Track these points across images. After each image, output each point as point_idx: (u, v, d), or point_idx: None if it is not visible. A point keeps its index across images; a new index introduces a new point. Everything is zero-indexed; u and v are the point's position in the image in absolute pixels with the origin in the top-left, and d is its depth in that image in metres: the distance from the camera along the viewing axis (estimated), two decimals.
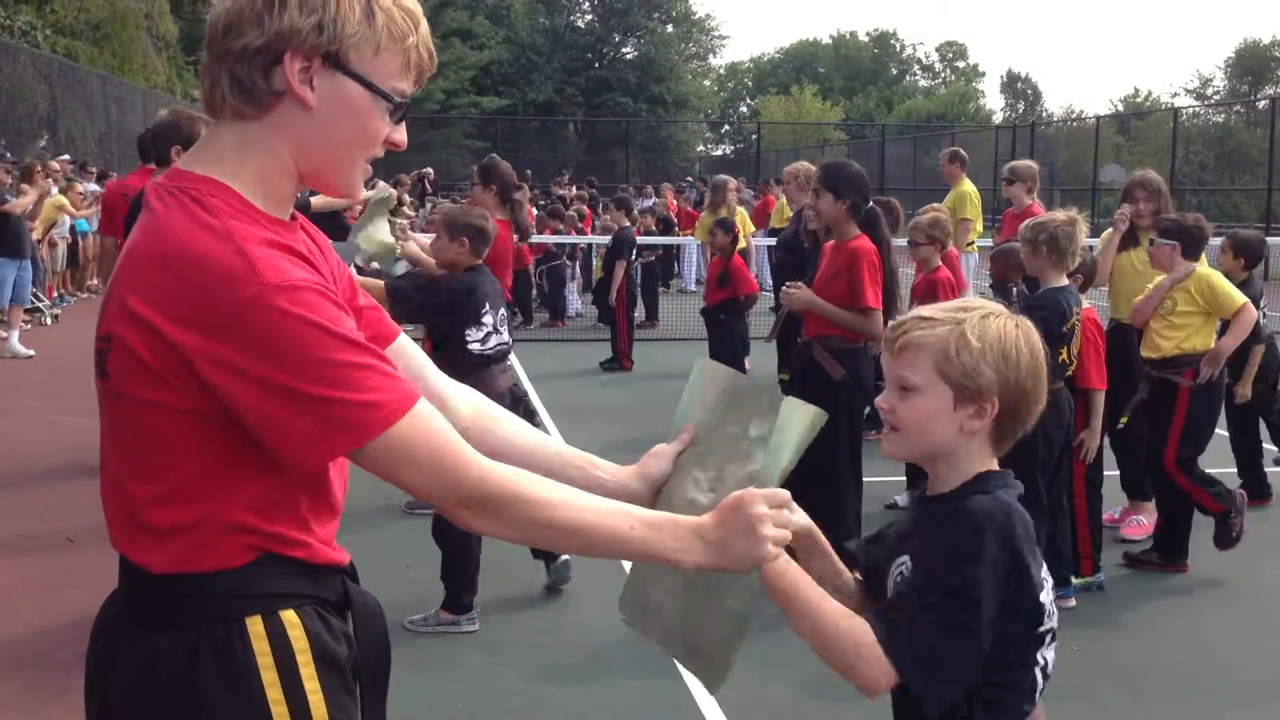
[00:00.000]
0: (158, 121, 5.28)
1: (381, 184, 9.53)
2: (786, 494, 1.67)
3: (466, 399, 1.93)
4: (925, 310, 1.84)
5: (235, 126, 1.60)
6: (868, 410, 8.56)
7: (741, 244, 10.89)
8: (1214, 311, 5.72)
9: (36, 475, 7.21)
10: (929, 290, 6.74)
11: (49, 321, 14.04)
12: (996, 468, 1.88)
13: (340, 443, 1.51)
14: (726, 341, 9.22)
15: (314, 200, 7.38)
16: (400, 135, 1.67)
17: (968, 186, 10.79)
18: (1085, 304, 5.38)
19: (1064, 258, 4.96)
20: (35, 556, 5.64)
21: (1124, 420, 6.12)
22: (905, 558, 1.83)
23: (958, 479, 1.85)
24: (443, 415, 1.60)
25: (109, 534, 1.67)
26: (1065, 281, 4.99)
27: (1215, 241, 6.53)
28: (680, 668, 4.50)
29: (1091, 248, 5.94)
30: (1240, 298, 5.74)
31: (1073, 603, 5.17)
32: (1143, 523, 6.28)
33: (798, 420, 1.71)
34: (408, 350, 1.86)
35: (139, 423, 1.55)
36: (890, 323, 1.89)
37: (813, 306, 5.38)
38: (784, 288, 5.84)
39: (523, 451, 1.89)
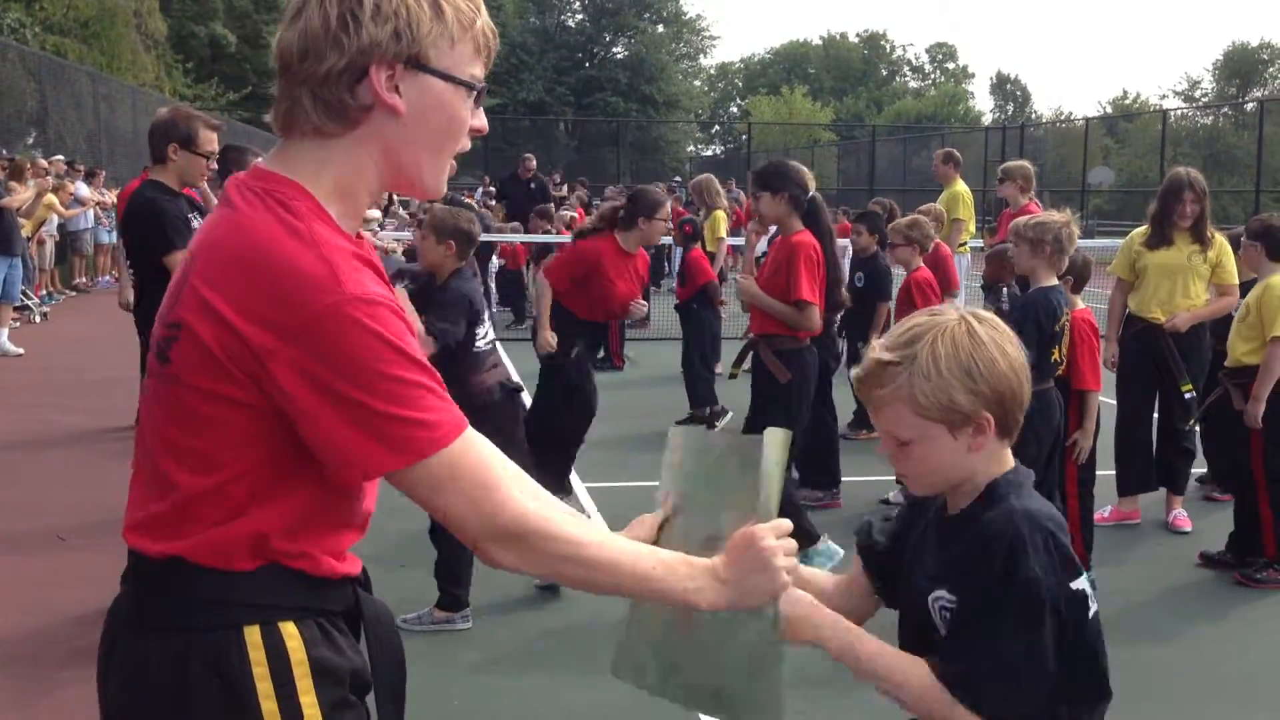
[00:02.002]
0: (156, 120, 5.26)
1: (376, 212, 9.61)
2: (788, 523, 1.69)
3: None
4: (877, 351, 1.79)
5: (316, 143, 1.59)
6: (855, 409, 8.65)
7: (710, 246, 10.93)
8: (1262, 323, 5.53)
9: (26, 473, 7.18)
10: (907, 292, 6.76)
11: (38, 319, 14.00)
12: (1010, 463, 1.85)
13: (388, 460, 1.51)
14: (692, 336, 9.23)
15: None
16: (482, 120, 1.68)
17: (961, 187, 10.82)
18: (1079, 304, 5.40)
19: (1062, 258, 4.98)
20: (26, 555, 5.62)
21: (1190, 423, 6.17)
22: (942, 591, 1.80)
23: (973, 492, 1.82)
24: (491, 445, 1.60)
25: (126, 520, 1.66)
26: (1055, 281, 5.00)
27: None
28: None
29: (1081, 248, 5.95)
30: (1277, 329, 5.45)
31: None
32: (1184, 514, 6.40)
33: (774, 448, 1.72)
34: None
35: (195, 411, 1.54)
36: (853, 372, 1.83)
37: (754, 299, 5.43)
38: (737, 277, 5.85)
39: None
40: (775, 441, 1.72)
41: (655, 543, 1.81)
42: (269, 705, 1.56)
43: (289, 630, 1.59)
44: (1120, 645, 4.87)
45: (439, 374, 1.56)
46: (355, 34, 1.53)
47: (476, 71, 1.64)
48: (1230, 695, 4.41)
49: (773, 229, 7.50)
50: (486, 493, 1.54)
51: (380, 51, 1.54)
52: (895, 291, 7.42)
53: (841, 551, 5.44)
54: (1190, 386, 6.19)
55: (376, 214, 8.71)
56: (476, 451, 1.55)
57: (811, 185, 6.45)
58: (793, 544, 1.68)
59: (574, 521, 1.61)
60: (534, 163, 18.49)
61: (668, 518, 1.86)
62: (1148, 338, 6.26)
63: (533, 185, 18.09)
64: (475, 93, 1.64)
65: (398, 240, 10.64)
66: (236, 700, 1.55)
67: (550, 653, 4.68)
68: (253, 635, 1.57)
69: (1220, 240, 6.23)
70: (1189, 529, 6.32)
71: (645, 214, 6.14)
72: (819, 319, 5.27)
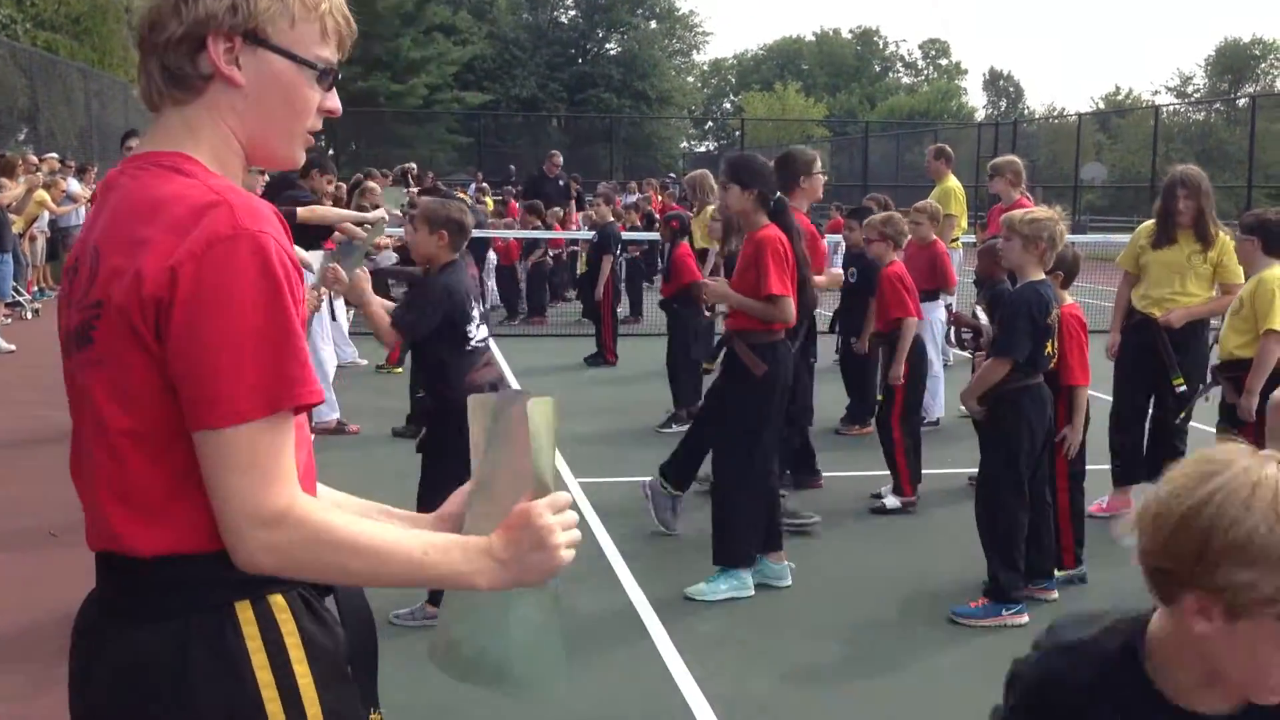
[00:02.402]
0: None
1: (381, 212, 9.59)
2: (567, 496, 1.65)
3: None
4: None
5: (177, 111, 1.65)
6: (848, 404, 8.66)
7: (704, 242, 10.92)
8: (1256, 316, 5.51)
9: (18, 470, 7.18)
10: (881, 287, 6.74)
11: (30, 316, 13.97)
12: None
13: (247, 405, 1.50)
14: (676, 333, 9.24)
15: (299, 212, 7.32)
16: (333, 102, 1.74)
17: (953, 183, 10.84)
18: (1068, 300, 5.42)
19: (1052, 254, 5.00)
20: (18, 551, 5.61)
21: (1183, 419, 6.19)
22: None
23: None
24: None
25: (87, 529, 1.65)
26: (1043, 275, 5.02)
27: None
28: (666, 658, 4.52)
29: (1074, 244, 5.96)
30: (1272, 323, 5.43)
31: (1055, 595, 5.21)
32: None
33: (547, 416, 1.67)
34: None
35: (119, 390, 1.55)
36: None
37: (725, 299, 5.41)
38: (704, 282, 5.82)
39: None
40: (538, 409, 1.66)
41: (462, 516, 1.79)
42: (264, 676, 1.57)
43: (278, 603, 1.60)
44: None
45: (305, 349, 1.56)
46: (194, 5, 1.60)
47: (324, 53, 1.69)
48: None
49: None
50: (265, 480, 1.52)
51: (217, 22, 1.60)
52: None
53: (789, 580, 5.38)
54: (1181, 380, 6.22)
55: (381, 214, 8.70)
56: (280, 440, 1.54)
57: (817, 165, 6.44)
58: (572, 517, 1.64)
59: (343, 516, 1.60)
60: (560, 159, 18.78)
61: (475, 488, 1.80)
62: (1145, 332, 6.32)
63: (561, 183, 18.32)
64: (320, 72, 1.68)
65: (389, 236, 10.60)
66: (234, 675, 1.56)
67: None
68: (244, 610, 1.58)
69: (1224, 240, 6.23)
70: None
71: (803, 172, 6.08)
72: (793, 310, 5.25)
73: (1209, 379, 5.90)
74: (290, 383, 1.53)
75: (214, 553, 1.56)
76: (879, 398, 6.82)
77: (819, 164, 6.25)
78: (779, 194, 5.43)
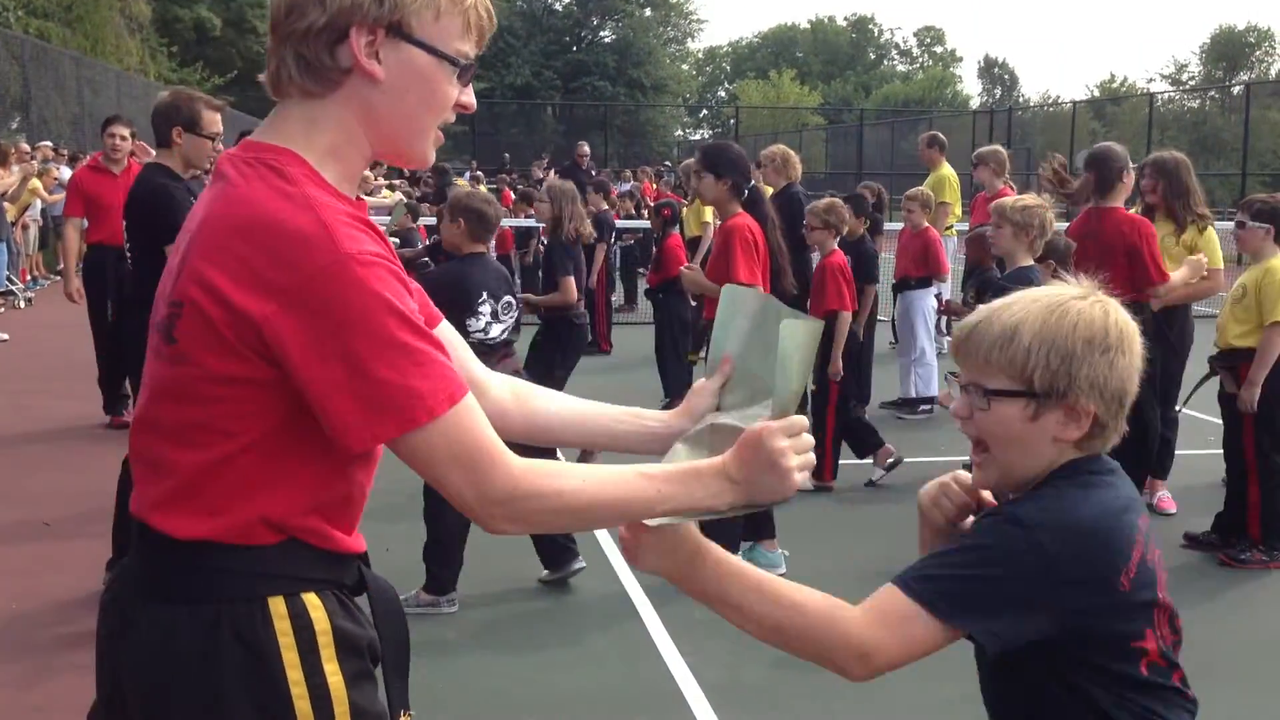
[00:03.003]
0: (157, 104, 5.21)
1: (399, 196, 9.59)
2: (804, 420, 1.64)
3: (504, 382, 1.94)
4: None
5: (303, 105, 1.60)
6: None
7: (695, 230, 10.90)
8: (1259, 308, 5.46)
9: (13, 460, 7.16)
10: (820, 276, 6.67)
11: (22, 305, 13.94)
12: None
13: (380, 428, 1.50)
14: (664, 322, 9.24)
15: None
16: (469, 97, 1.68)
17: (947, 171, 10.83)
18: None
19: (1041, 242, 5.00)
20: (12, 542, 5.60)
21: (1179, 409, 6.20)
22: None
23: None
24: (482, 407, 1.59)
25: (134, 498, 1.65)
26: (1031, 262, 5.02)
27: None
28: (660, 646, 4.53)
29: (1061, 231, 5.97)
30: (1278, 315, 5.37)
31: None
32: (1168, 496, 6.46)
33: (799, 339, 1.66)
34: (449, 336, 1.84)
35: (202, 389, 1.54)
36: None
37: (698, 287, 5.41)
38: (682, 269, 5.82)
39: (568, 420, 1.90)
40: (802, 332, 1.66)
41: (716, 407, 1.84)
42: (294, 674, 1.57)
43: (312, 601, 1.60)
44: None
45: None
46: None
47: (464, 48, 1.63)
48: (1219, 675, 4.44)
49: None
50: (478, 462, 1.53)
51: (362, 13, 1.55)
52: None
53: (783, 567, 5.36)
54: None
55: (400, 197, 8.76)
56: (470, 420, 1.54)
57: (797, 171, 6.42)
58: (808, 441, 1.63)
59: (569, 473, 1.59)
60: (587, 148, 18.97)
61: (726, 382, 1.85)
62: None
63: (594, 172, 18.50)
64: (461, 69, 1.63)
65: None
66: (264, 669, 1.56)
67: (537, 635, 4.70)
68: (278, 606, 1.58)
69: (1207, 228, 6.22)
70: (1174, 510, 6.37)
71: (1124, 167, 5.91)
72: None
73: (1207, 368, 5.89)
74: (431, 386, 1.51)
75: (252, 547, 1.57)
76: (812, 387, 6.81)
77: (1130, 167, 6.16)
78: (753, 182, 5.43)
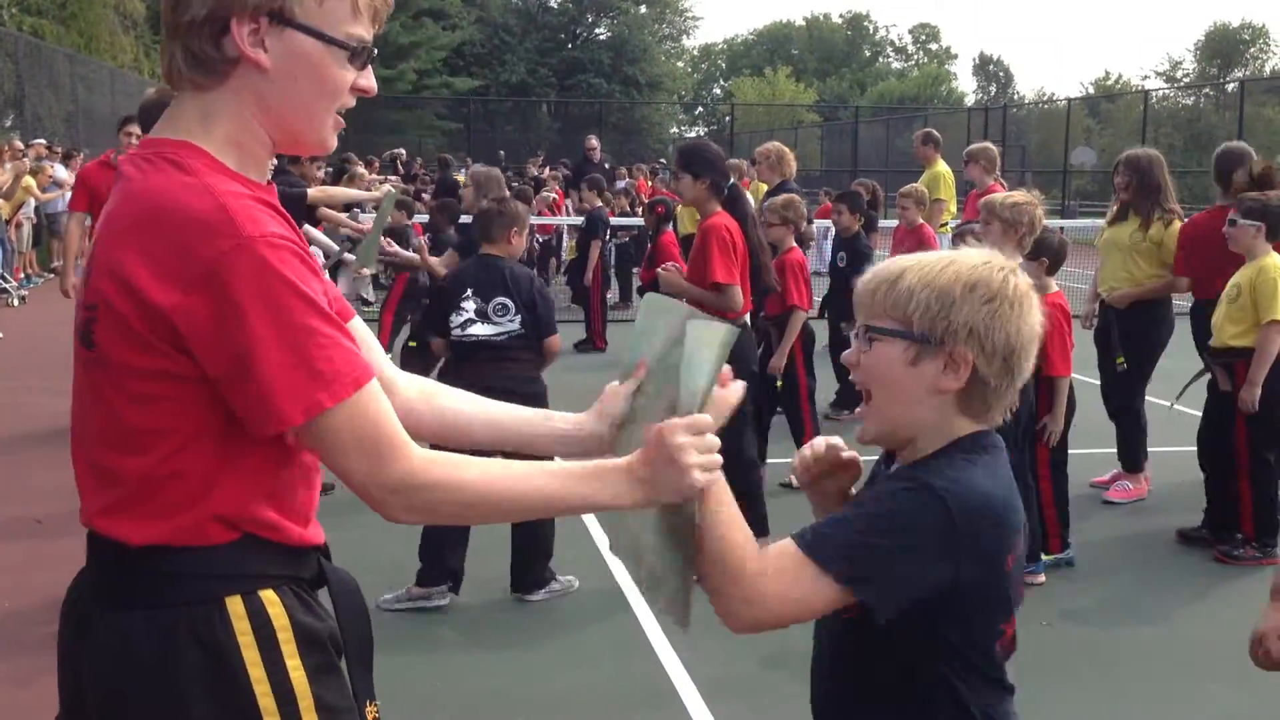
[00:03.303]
0: (144, 101, 5.22)
1: (389, 186, 9.54)
2: (708, 420, 1.62)
3: (412, 381, 1.93)
4: None
5: (196, 98, 1.60)
6: (838, 388, 8.66)
7: (690, 228, 10.88)
8: (1255, 307, 5.46)
9: (6, 457, 7.15)
10: (780, 272, 6.54)
11: (16, 303, 13.92)
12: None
13: (291, 410, 1.49)
14: None
15: (310, 192, 7.32)
16: (368, 81, 1.66)
17: (942, 168, 10.84)
18: (1054, 287, 5.40)
19: (1030, 240, 4.99)
20: (4, 539, 5.59)
21: (1173, 404, 6.23)
22: None
23: None
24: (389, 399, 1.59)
25: (81, 509, 1.65)
26: (1020, 260, 4.99)
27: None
28: (653, 643, 4.53)
29: (1063, 228, 6.00)
30: (1274, 313, 5.38)
31: (1042, 579, 5.22)
32: (1129, 487, 6.50)
33: (708, 340, 1.65)
34: (360, 332, 1.83)
35: (127, 390, 1.53)
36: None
37: (675, 288, 5.30)
38: (660, 269, 5.78)
39: (478, 420, 1.89)
40: (711, 334, 1.65)
41: (626, 415, 1.85)
42: (256, 672, 1.57)
43: (269, 598, 1.60)
44: (1100, 624, 4.92)
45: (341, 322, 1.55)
46: None
47: (356, 30, 1.61)
48: (1219, 673, 4.44)
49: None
50: (379, 449, 1.53)
51: (240, 4, 1.54)
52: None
53: None
54: (1122, 360, 6.30)
55: (389, 189, 8.68)
56: (374, 407, 1.54)
57: (792, 168, 6.39)
58: (713, 442, 1.60)
59: (471, 465, 1.59)
60: (595, 140, 18.88)
61: (640, 386, 1.85)
62: (1104, 310, 6.49)
63: (607, 165, 18.20)
64: (352, 52, 1.61)
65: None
66: (224, 670, 1.56)
67: (531, 633, 4.69)
68: (235, 605, 1.57)
69: (1173, 223, 6.26)
70: (1119, 501, 6.45)
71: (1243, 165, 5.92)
72: (740, 298, 5.22)
73: (1201, 365, 5.90)
74: (337, 370, 1.50)
75: (206, 548, 1.57)
76: (778, 384, 6.79)
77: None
78: (732, 181, 5.38)
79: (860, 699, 1.72)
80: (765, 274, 5.52)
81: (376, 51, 1.66)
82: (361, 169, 12.57)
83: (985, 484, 1.62)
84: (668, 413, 1.67)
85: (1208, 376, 5.85)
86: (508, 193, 6.96)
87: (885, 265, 1.72)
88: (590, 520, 5.99)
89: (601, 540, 5.69)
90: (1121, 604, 5.12)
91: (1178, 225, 6.28)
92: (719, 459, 1.62)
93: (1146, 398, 6.61)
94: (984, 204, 5.17)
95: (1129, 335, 6.33)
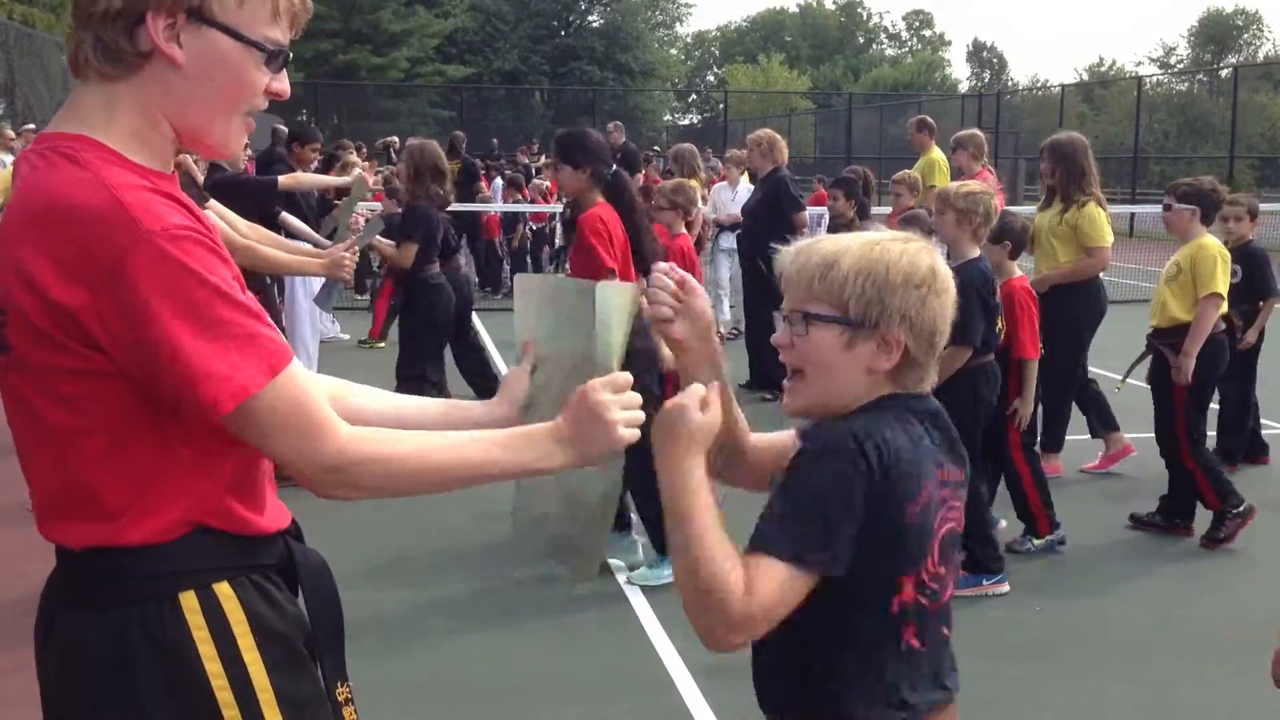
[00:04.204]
0: None
1: (358, 171, 9.44)
2: (627, 376, 1.69)
3: (323, 380, 1.93)
4: None
5: (101, 88, 1.55)
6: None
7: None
8: (1195, 282, 5.55)
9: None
10: (668, 257, 6.58)
11: None
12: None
13: (219, 399, 1.47)
14: None
15: (280, 180, 7.26)
16: (281, 84, 1.64)
17: (936, 154, 10.82)
18: (1017, 272, 5.41)
19: (985, 230, 4.95)
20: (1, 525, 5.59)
21: (1120, 384, 6.26)
22: None
23: None
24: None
25: (38, 513, 1.64)
26: (978, 252, 4.94)
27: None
28: (648, 629, 4.54)
29: (1019, 215, 5.99)
30: (1213, 287, 5.51)
31: (1005, 588, 5.00)
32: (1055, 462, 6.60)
33: (616, 301, 1.73)
34: None
35: (50, 392, 1.51)
36: None
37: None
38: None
39: (386, 417, 1.88)
40: (618, 295, 1.72)
41: (531, 395, 1.90)
42: (214, 667, 1.56)
43: (224, 591, 1.59)
44: (1092, 609, 4.93)
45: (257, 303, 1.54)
46: None
47: (273, 34, 1.59)
48: (1207, 655, 4.46)
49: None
50: (307, 430, 1.53)
51: None
52: None
53: (640, 556, 5.25)
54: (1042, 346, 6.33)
55: (359, 174, 8.56)
56: (296, 388, 1.53)
57: (784, 155, 6.28)
58: (634, 398, 1.68)
59: (400, 439, 1.61)
60: (618, 126, 18.65)
61: (535, 365, 1.92)
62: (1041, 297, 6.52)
63: (620, 155, 17.74)
64: (269, 55, 1.59)
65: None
66: (181, 668, 1.55)
67: (525, 620, 4.70)
68: (189, 600, 1.56)
69: (1087, 205, 6.26)
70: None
71: None
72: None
73: (1146, 344, 5.89)
74: (256, 356, 1.50)
75: (154, 545, 1.55)
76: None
77: None
78: (615, 169, 5.26)
79: (772, 642, 1.74)
80: (653, 258, 5.47)
81: (291, 56, 1.64)
82: (354, 156, 12.52)
83: (893, 428, 1.68)
84: (572, 378, 1.74)
85: (1150, 359, 5.85)
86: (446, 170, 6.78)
87: (812, 250, 1.74)
88: None
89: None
90: (1112, 588, 5.14)
91: (1093, 208, 6.30)
92: (641, 415, 1.68)
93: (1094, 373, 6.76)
94: (939, 194, 5.16)
95: (1051, 319, 6.29)
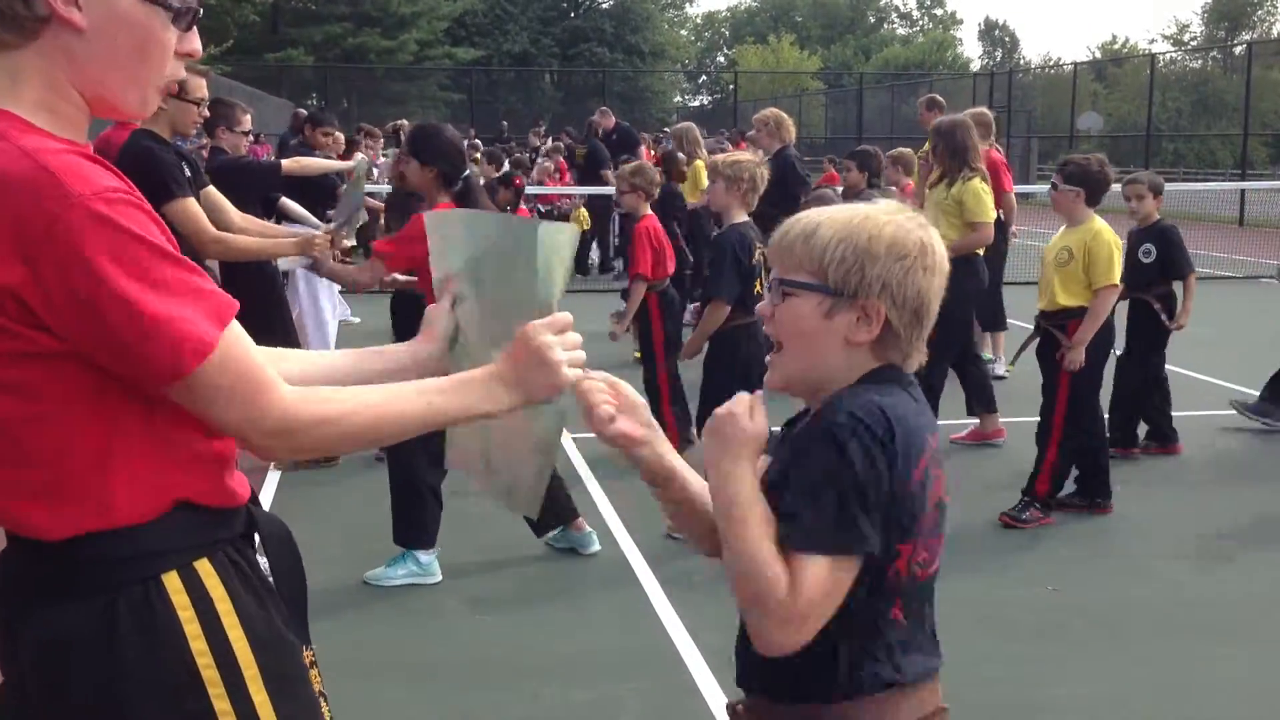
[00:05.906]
0: None
1: (361, 156, 9.44)
2: (568, 317, 1.70)
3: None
4: None
5: (3, 57, 1.48)
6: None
7: (693, 199, 10.82)
8: (1088, 273, 5.41)
9: None
10: (636, 240, 6.45)
11: None
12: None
13: (160, 374, 1.44)
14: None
15: (284, 164, 7.25)
16: (191, 44, 1.58)
17: None
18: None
19: (754, 197, 5.31)
20: None
21: (1010, 367, 6.30)
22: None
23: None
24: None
25: None
26: (746, 218, 5.33)
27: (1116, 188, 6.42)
28: (658, 610, 4.54)
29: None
30: (1112, 278, 5.40)
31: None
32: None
33: (557, 241, 1.72)
34: None
35: (9, 379, 1.46)
36: None
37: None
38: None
39: (317, 378, 1.84)
40: (553, 234, 1.72)
41: (454, 331, 1.90)
42: (199, 645, 1.54)
43: (205, 569, 1.57)
44: (1106, 589, 4.91)
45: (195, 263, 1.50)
46: None
47: None
48: (1224, 634, 4.44)
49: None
50: (253, 394, 1.50)
51: None
52: None
53: (595, 545, 5.17)
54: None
55: (361, 159, 8.54)
56: (239, 349, 1.50)
57: (790, 134, 6.26)
58: (575, 338, 1.69)
59: (341, 396, 1.60)
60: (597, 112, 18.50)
61: (454, 299, 1.92)
62: None
63: (614, 136, 17.42)
64: (175, 13, 1.53)
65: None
66: (169, 648, 1.53)
67: (535, 600, 4.70)
68: (172, 581, 1.54)
69: (971, 180, 6.45)
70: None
71: None
72: None
73: (1033, 328, 5.77)
74: (206, 310, 1.46)
75: (131, 527, 1.52)
76: (636, 354, 6.60)
77: None
78: (468, 173, 4.89)
79: None
80: None
81: (201, 13, 1.59)
82: (370, 141, 12.52)
83: (893, 404, 1.64)
84: (504, 315, 1.75)
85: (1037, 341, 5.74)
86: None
87: (800, 218, 1.73)
88: (594, 486, 5.99)
89: (606, 507, 5.70)
90: (1127, 568, 5.11)
91: (976, 183, 6.43)
92: (583, 354, 1.69)
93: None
94: (710, 164, 5.58)
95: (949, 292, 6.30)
